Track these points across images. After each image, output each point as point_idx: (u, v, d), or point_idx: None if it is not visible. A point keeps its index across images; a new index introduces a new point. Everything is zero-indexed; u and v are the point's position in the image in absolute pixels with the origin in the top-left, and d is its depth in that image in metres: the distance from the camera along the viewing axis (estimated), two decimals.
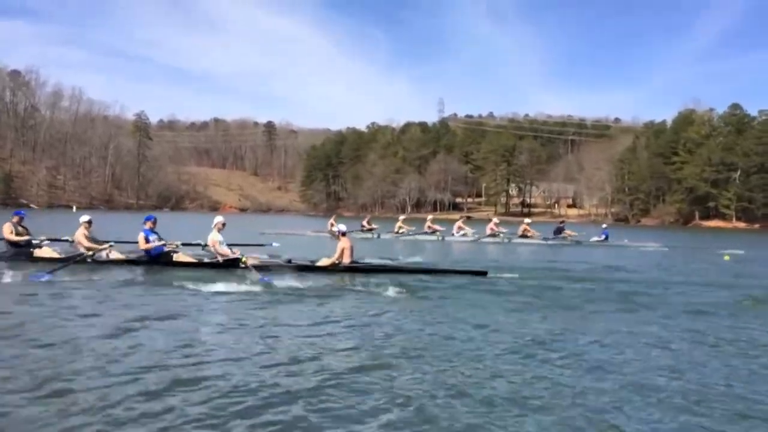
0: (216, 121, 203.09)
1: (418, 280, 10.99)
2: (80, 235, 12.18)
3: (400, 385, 4.73)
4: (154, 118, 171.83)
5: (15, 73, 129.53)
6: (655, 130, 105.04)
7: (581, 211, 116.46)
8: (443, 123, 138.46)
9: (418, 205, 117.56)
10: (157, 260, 11.91)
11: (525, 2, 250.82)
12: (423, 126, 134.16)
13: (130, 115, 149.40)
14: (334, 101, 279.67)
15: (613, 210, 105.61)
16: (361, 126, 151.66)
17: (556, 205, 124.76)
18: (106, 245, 12.25)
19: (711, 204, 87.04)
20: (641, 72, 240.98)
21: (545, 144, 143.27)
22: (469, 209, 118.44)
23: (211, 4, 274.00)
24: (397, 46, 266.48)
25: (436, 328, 6.97)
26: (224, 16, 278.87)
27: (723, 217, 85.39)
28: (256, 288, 9.66)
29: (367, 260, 12.87)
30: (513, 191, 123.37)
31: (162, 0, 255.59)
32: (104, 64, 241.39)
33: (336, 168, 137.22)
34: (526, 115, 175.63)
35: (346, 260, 11.75)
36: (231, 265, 11.57)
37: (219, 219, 12.25)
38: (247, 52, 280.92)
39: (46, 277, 9.99)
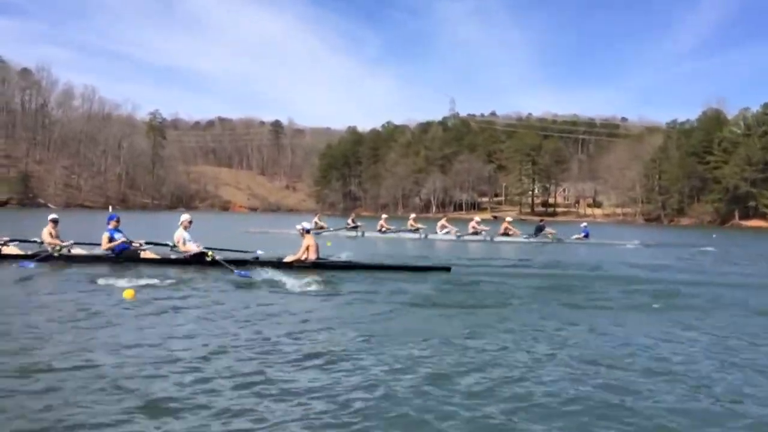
0: (221, 120, 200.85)
1: (381, 277, 11.18)
2: (46, 233, 12.53)
3: (350, 380, 4.76)
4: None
5: (26, 72, 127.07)
6: (684, 129, 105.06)
7: (606, 211, 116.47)
8: (464, 122, 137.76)
9: (443, 205, 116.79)
10: (123, 258, 12.16)
11: (512, 2, 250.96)
12: (443, 125, 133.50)
13: (140, 115, 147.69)
14: (325, 101, 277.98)
15: (639, 209, 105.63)
16: (363, 125, 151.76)
17: (577, 205, 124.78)
18: (67, 242, 12.63)
19: (751, 203, 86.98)
20: (628, 70, 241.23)
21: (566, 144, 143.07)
22: (492, 209, 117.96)
23: (199, 5, 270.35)
24: (387, 45, 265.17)
25: (396, 322, 7.12)
26: (212, 16, 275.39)
27: (763, 216, 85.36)
28: (221, 283, 9.96)
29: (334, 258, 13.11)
30: (538, 191, 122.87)
31: (149, 1, 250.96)
32: (91, 65, 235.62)
33: (352, 167, 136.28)
34: (529, 114, 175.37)
35: (312, 257, 11.94)
36: (197, 261, 11.84)
37: (185, 217, 12.62)
38: (237, 52, 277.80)
39: (32, 265, 10.67)
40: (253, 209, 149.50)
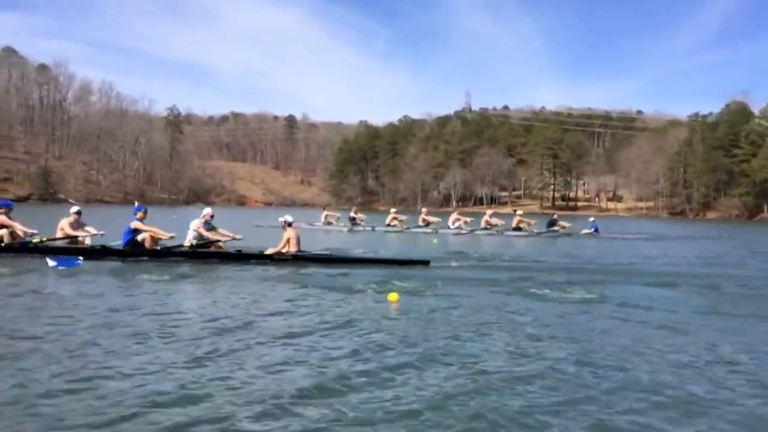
0: (235, 115, 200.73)
1: (359, 270, 11.21)
2: (66, 223, 12.72)
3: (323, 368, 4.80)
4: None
5: (43, 67, 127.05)
6: (707, 122, 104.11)
7: (627, 205, 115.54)
8: (484, 116, 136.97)
9: (463, 199, 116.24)
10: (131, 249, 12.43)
11: None
12: (463, 119, 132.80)
13: (156, 110, 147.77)
14: (335, 95, 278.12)
15: (663, 203, 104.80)
16: (374, 119, 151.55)
17: (597, 199, 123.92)
18: (93, 232, 13.03)
19: None
20: (639, 63, 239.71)
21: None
22: (512, 203, 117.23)
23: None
24: (396, 39, 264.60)
25: (370, 314, 7.12)
26: (221, 10, 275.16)
27: None
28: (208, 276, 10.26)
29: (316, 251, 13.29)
30: (559, 185, 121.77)
31: None
32: (99, 59, 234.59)
33: (369, 161, 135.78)
34: (543, 107, 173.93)
35: (293, 249, 12.20)
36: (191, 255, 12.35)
37: (208, 210, 13.32)
38: (246, 46, 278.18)
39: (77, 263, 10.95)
40: (269, 204, 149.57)
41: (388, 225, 26.82)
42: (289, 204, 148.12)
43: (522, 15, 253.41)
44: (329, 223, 27.87)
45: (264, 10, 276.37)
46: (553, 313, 7.51)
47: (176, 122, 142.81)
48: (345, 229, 26.89)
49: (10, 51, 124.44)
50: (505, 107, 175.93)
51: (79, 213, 13.17)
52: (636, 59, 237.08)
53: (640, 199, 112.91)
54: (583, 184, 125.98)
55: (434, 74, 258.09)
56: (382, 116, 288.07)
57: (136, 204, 13.65)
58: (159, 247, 12.46)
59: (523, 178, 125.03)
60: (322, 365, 4.88)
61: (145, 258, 12.13)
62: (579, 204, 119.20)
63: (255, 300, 7.94)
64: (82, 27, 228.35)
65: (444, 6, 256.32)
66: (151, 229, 12.70)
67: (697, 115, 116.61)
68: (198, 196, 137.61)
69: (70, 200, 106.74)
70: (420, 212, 29.50)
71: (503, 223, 26.81)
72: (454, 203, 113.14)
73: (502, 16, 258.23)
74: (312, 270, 11.09)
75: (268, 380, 4.46)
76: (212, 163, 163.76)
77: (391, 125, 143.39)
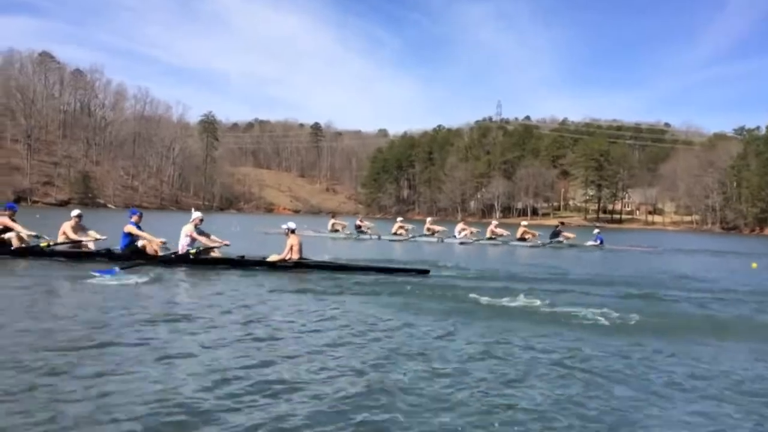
0: (260, 122, 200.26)
1: (361, 278, 11.46)
2: (68, 227, 12.88)
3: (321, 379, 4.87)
4: None
5: (78, 73, 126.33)
6: (760, 136, 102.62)
7: (673, 218, 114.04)
8: (527, 128, 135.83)
9: (504, 210, 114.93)
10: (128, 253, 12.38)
11: (534, 6, 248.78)
12: (504, 129, 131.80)
13: (189, 116, 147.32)
14: (351, 104, 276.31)
15: (711, 217, 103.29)
16: (392, 129, 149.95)
17: (638, 212, 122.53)
18: (96, 237, 13.04)
19: None
20: (648, 76, 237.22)
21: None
22: (554, 215, 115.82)
23: (221, 7, 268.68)
24: (407, 48, 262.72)
25: (368, 323, 7.21)
26: (229, 16, 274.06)
27: None
28: (221, 280, 10.47)
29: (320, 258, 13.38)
30: (605, 198, 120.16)
31: (171, 4, 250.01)
32: (115, 66, 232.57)
33: (403, 171, 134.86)
34: (565, 118, 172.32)
35: (295, 257, 12.24)
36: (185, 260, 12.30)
37: (197, 215, 13.08)
38: (256, 53, 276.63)
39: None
40: (297, 211, 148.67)
41: (395, 233, 27.12)
42: (316, 212, 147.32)
43: (536, 26, 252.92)
44: (335, 231, 27.87)
45: (274, 18, 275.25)
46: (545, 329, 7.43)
47: (211, 129, 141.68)
48: (352, 237, 27.10)
49: (46, 56, 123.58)
50: (527, 118, 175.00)
51: (79, 216, 13.23)
52: (654, 71, 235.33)
53: (687, 213, 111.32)
54: (627, 197, 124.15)
55: (447, 84, 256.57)
56: (398, 125, 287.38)
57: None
58: (162, 254, 12.47)
59: (562, 190, 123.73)
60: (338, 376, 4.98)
61: (146, 264, 11.81)
62: (626, 218, 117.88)
63: (254, 308, 7.98)
64: (98, 33, 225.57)
65: (455, 16, 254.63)
66: (143, 234, 12.67)
67: (742, 128, 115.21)
68: (231, 203, 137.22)
69: (110, 205, 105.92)
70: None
71: (508, 233, 27.24)
72: (497, 214, 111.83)
73: (517, 27, 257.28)
74: (313, 277, 11.31)
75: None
76: (241, 169, 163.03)
77: (426, 134, 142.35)
